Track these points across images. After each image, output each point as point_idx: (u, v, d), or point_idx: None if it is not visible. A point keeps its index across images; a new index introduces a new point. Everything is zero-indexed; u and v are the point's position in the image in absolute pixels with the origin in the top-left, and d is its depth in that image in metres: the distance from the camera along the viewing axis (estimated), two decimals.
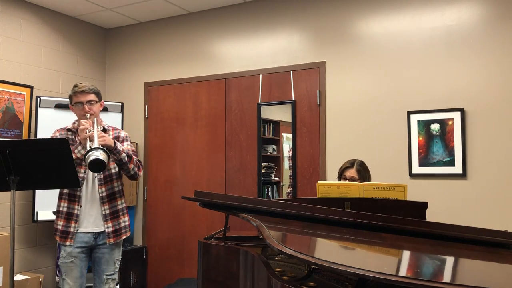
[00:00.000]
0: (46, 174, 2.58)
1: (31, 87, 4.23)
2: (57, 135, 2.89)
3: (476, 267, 1.63)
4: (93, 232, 2.84)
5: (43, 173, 2.58)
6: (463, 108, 3.38)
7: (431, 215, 2.31)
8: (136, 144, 4.70)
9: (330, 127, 3.85)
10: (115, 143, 2.72)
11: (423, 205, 2.26)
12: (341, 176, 2.97)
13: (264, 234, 1.75)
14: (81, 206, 2.83)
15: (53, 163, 2.53)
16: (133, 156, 2.85)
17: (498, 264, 1.68)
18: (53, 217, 4.10)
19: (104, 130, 2.91)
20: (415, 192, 3.03)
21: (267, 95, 4.16)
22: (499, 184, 3.27)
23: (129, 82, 4.90)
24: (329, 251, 1.78)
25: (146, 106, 4.78)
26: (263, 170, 4.15)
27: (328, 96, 3.87)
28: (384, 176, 3.35)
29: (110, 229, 2.85)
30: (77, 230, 2.82)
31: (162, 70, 4.73)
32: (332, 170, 3.79)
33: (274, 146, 4.28)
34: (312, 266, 1.84)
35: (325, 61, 3.90)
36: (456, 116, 3.40)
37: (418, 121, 3.52)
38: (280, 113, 4.17)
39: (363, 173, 2.92)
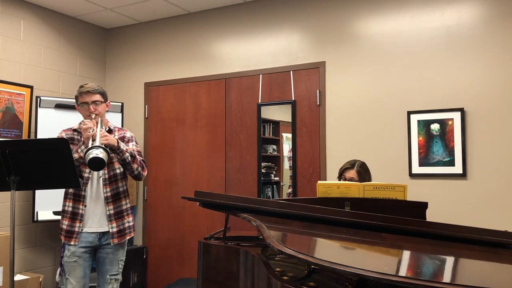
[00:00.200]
0: (46, 174, 2.58)
1: (31, 87, 4.23)
2: (63, 135, 2.91)
3: (476, 267, 1.63)
4: (98, 232, 2.85)
5: (43, 173, 2.58)
6: (463, 108, 3.38)
7: (431, 215, 2.31)
8: None
9: (330, 127, 3.85)
10: (118, 142, 2.73)
11: (423, 205, 2.26)
12: (340, 176, 2.96)
13: (264, 234, 1.75)
14: (85, 206, 2.84)
15: (53, 163, 2.54)
16: (137, 156, 2.86)
17: (498, 264, 1.68)
18: (53, 217, 4.14)
19: (110, 131, 2.93)
20: (415, 192, 3.03)
21: (267, 95, 4.16)
22: (499, 184, 3.27)
23: (129, 82, 4.90)
24: (329, 251, 1.78)
25: (146, 106, 4.78)
26: (263, 170, 4.15)
27: (328, 96, 3.87)
28: (384, 176, 3.35)
29: (115, 229, 2.86)
30: (82, 229, 2.83)
31: (162, 70, 4.73)
32: (332, 170, 3.79)
33: (274, 146, 4.28)
34: (312, 266, 1.84)
35: (325, 61, 3.90)
36: (456, 116, 3.40)
37: (418, 121, 3.52)
38: (280, 113, 4.17)
39: (364, 174, 2.90)
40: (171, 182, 4.59)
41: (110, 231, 2.85)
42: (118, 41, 5.02)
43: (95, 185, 2.86)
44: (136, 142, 2.99)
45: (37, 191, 4.08)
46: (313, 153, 3.91)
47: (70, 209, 2.84)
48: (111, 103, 4.44)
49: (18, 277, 3.86)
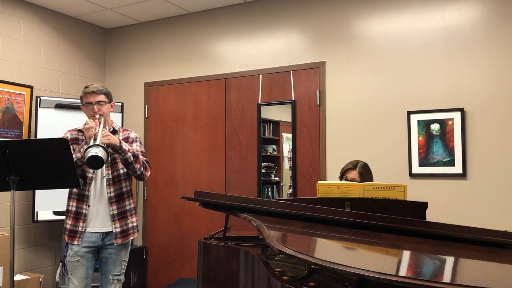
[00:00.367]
0: (46, 174, 2.59)
1: (31, 87, 4.23)
2: (68, 135, 2.92)
3: (476, 267, 1.63)
4: (101, 232, 2.86)
5: (43, 173, 2.58)
6: (463, 108, 3.38)
7: (431, 215, 2.31)
8: None
9: (330, 127, 3.85)
10: (120, 142, 2.74)
11: (423, 205, 2.26)
12: (342, 177, 2.95)
13: (264, 234, 1.75)
14: (89, 206, 2.85)
15: (53, 163, 2.54)
16: (140, 157, 2.87)
17: (498, 264, 1.68)
18: (53, 217, 4.14)
19: (115, 131, 2.95)
20: (415, 192, 3.03)
21: (267, 95, 4.16)
22: (499, 184, 3.27)
23: (129, 82, 4.91)
24: (329, 251, 1.78)
25: (146, 106, 4.78)
26: (263, 170, 4.15)
27: (328, 96, 3.87)
28: (384, 176, 3.35)
29: (118, 230, 2.86)
30: (85, 229, 2.84)
31: (162, 70, 4.73)
32: (332, 170, 3.79)
33: (274, 146, 4.28)
34: (312, 266, 1.84)
35: (325, 61, 3.90)
36: (456, 116, 3.40)
37: (418, 121, 3.52)
38: (280, 113, 4.17)
39: (365, 175, 2.89)
40: (171, 182, 4.59)
41: (114, 231, 2.85)
42: (118, 41, 5.02)
43: (99, 185, 2.87)
44: (140, 143, 3.01)
45: (37, 191, 4.08)
46: (313, 153, 3.91)
47: (74, 209, 2.85)
48: None
49: (18, 277, 3.86)
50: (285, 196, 4.13)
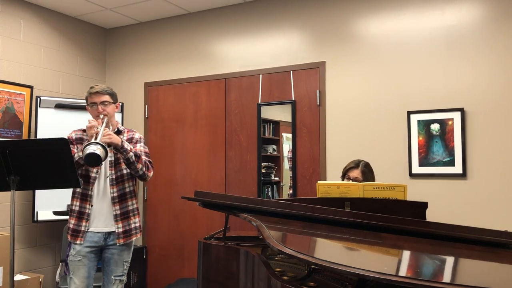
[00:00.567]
0: (46, 174, 2.59)
1: (31, 87, 4.23)
2: (73, 135, 2.94)
3: (476, 267, 1.63)
4: (103, 232, 2.86)
5: (43, 173, 2.58)
6: (463, 108, 3.38)
7: (431, 215, 2.31)
8: None
9: (330, 127, 3.85)
10: (122, 142, 2.74)
11: (423, 205, 2.27)
12: (344, 176, 2.95)
13: (264, 234, 1.75)
14: (92, 206, 2.85)
15: (53, 163, 2.54)
16: (143, 157, 2.87)
17: (498, 264, 1.68)
18: (53, 217, 4.15)
19: (119, 132, 2.96)
20: (415, 192, 3.02)
21: (267, 95, 4.16)
22: (499, 184, 3.27)
23: (129, 82, 4.91)
24: (329, 251, 1.78)
25: (146, 106, 4.78)
26: (263, 170, 4.15)
27: (328, 96, 3.87)
28: (384, 176, 3.35)
29: (120, 230, 2.86)
30: (88, 229, 2.84)
31: (162, 70, 4.73)
32: (332, 170, 3.79)
33: (274, 146, 4.28)
34: (312, 266, 1.84)
35: (325, 61, 3.90)
36: (456, 116, 3.40)
37: (418, 121, 3.52)
38: (280, 113, 4.17)
39: (368, 174, 2.90)
40: (171, 182, 4.59)
41: (116, 231, 2.86)
42: (118, 41, 5.02)
43: (102, 185, 2.88)
44: (145, 144, 3.01)
45: (37, 191, 4.08)
46: (313, 153, 3.91)
47: (77, 208, 2.86)
48: None
49: (18, 277, 3.86)
50: (285, 196, 4.13)
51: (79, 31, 4.78)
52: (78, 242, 2.82)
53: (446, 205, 3.37)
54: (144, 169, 2.86)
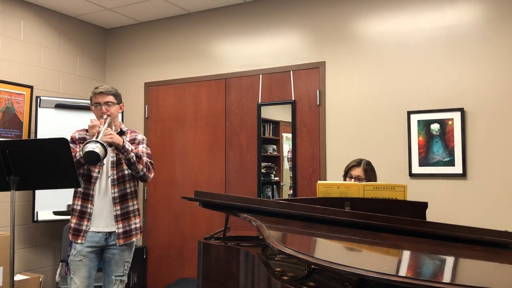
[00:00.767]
0: (46, 174, 2.59)
1: (31, 87, 4.23)
2: (76, 135, 2.95)
3: (476, 267, 1.63)
4: (104, 232, 2.86)
5: (43, 173, 2.58)
6: (463, 108, 3.38)
7: (431, 215, 2.31)
8: None
9: (330, 127, 3.85)
10: (124, 142, 2.75)
11: (423, 205, 2.27)
12: (346, 174, 2.96)
13: (264, 234, 1.75)
14: (93, 205, 2.86)
15: (53, 163, 2.54)
16: (144, 158, 2.88)
17: (498, 264, 1.68)
18: (53, 217, 4.15)
19: (122, 132, 2.96)
20: (415, 192, 3.03)
21: (267, 95, 4.16)
22: (499, 184, 3.27)
23: (129, 82, 4.91)
24: (329, 251, 1.78)
25: (146, 106, 4.78)
26: (263, 170, 4.15)
27: (328, 96, 3.87)
28: (384, 176, 3.35)
29: (121, 230, 2.87)
30: (89, 228, 2.84)
31: (162, 70, 4.73)
32: (332, 170, 3.79)
33: (274, 146, 4.28)
34: (312, 266, 1.84)
35: (325, 61, 3.90)
36: (456, 116, 3.40)
37: (418, 121, 3.52)
38: (280, 113, 4.17)
39: (370, 172, 2.91)
40: (171, 182, 4.59)
41: (116, 231, 2.86)
42: (118, 41, 5.02)
43: (104, 185, 2.88)
44: (147, 145, 3.02)
45: (37, 191, 4.09)
46: (313, 153, 3.91)
47: (78, 207, 2.87)
48: None
49: (18, 277, 3.86)
50: (285, 196, 4.13)
51: (79, 31, 4.78)
52: (79, 241, 2.83)
53: (446, 205, 3.37)
54: (144, 170, 2.87)
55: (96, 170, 2.87)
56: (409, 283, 1.21)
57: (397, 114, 3.61)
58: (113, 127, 2.91)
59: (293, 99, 4.02)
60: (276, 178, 4.23)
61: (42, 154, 2.52)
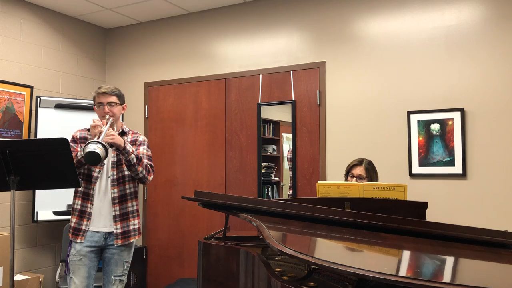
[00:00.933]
0: (46, 174, 2.59)
1: (31, 87, 4.23)
2: (78, 134, 2.96)
3: (476, 267, 1.63)
4: (103, 232, 2.87)
5: (43, 173, 2.58)
6: (463, 108, 3.38)
7: (431, 215, 2.31)
8: None
9: (330, 127, 3.85)
10: (125, 143, 2.75)
11: (423, 205, 2.26)
12: (348, 173, 2.96)
13: (264, 234, 1.75)
14: (93, 205, 2.86)
15: (53, 163, 2.54)
16: (144, 160, 2.88)
17: (498, 264, 1.68)
18: (53, 217, 4.15)
19: (124, 133, 2.97)
20: (415, 192, 3.03)
21: (267, 95, 4.16)
22: (499, 184, 3.27)
23: (129, 82, 4.91)
24: (329, 251, 1.78)
25: (146, 106, 4.78)
26: (263, 170, 4.15)
27: (328, 96, 3.87)
28: (384, 176, 3.35)
29: (119, 230, 2.87)
30: (89, 228, 2.85)
31: (162, 70, 4.73)
32: (332, 170, 3.79)
33: (274, 146, 4.28)
34: (312, 266, 1.84)
35: (325, 61, 3.90)
36: (456, 116, 3.40)
37: (418, 121, 3.52)
38: (280, 113, 4.17)
39: (371, 171, 2.92)
40: (171, 182, 4.59)
41: (114, 231, 2.86)
42: (118, 41, 5.02)
43: (104, 185, 2.89)
44: (148, 147, 3.02)
45: (37, 191, 4.09)
46: (313, 153, 3.91)
47: (78, 207, 2.88)
48: None
49: (18, 277, 3.86)
50: (285, 196, 4.13)
51: (79, 31, 4.78)
52: (78, 240, 2.84)
53: (446, 205, 3.37)
54: (144, 172, 2.87)
55: (97, 170, 2.87)
56: (409, 283, 1.21)
57: (397, 114, 3.61)
58: (115, 128, 2.92)
59: (293, 99, 4.02)
60: (276, 178, 4.23)
61: (42, 154, 2.52)
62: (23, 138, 4.10)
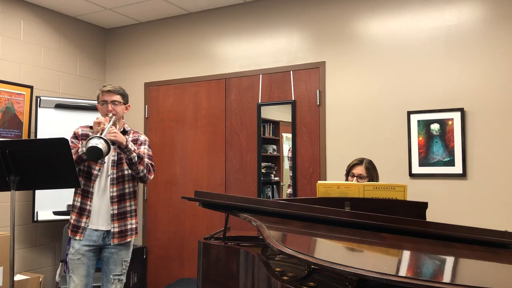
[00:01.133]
0: (46, 174, 2.59)
1: (31, 87, 4.23)
2: (79, 130, 2.96)
3: (476, 267, 1.63)
4: (102, 230, 2.87)
5: (43, 173, 2.58)
6: (463, 108, 3.38)
7: (431, 215, 2.31)
8: None
9: (330, 127, 3.85)
10: (127, 141, 2.76)
11: (423, 205, 2.26)
12: (348, 173, 2.96)
13: (264, 234, 1.75)
14: (92, 203, 2.86)
15: (53, 163, 2.54)
16: (145, 159, 2.89)
17: (498, 264, 1.68)
18: (53, 217, 4.15)
19: (125, 132, 2.98)
20: (415, 192, 3.03)
21: (267, 95, 4.16)
22: (499, 184, 3.27)
23: (129, 82, 4.90)
24: (329, 251, 1.78)
25: (146, 106, 4.78)
26: (263, 170, 4.15)
27: (328, 96, 3.87)
28: (384, 176, 3.34)
29: (116, 230, 2.87)
30: (88, 225, 2.85)
31: (162, 70, 4.73)
32: (332, 170, 3.79)
33: (274, 146, 4.28)
34: (312, 266, 1.84)
35: (325, 61, 3.90)
36: (456, 116, 3.40)
37: (418, 121, 3.52)
38: (280, 113, 4.17)
39: (371, 171, 2.92)
40: (171, 182, 4.59)
41: (112, 230, 2.87)
42: (118, 41, 5.02)
43: (103, 183, 2.89)
44: (149, 146, 3.03)
45: (37, 191, 4.09)
46: (313, 153, 3.91)
47: (78, 204, 2.88)
48: None
49: (18, 277, 3.86)
50: (285, 196, 4.13)
51: (79, 31, 4.78)
52: (77, 238, 2.84)
53: (446, 205, 3.37)
54: (145, 171, 2.88)
55: (97, 167, 2.88)
56: (409, 283, 1.21)
57: (397, 114, 3.61)
58: (117, 126, 2.92)
59: (293, 99, 4.02)
60: (276, 178, 4.23)
61: (42, 154, 2.52)
62: (23, 138, 4.10)
